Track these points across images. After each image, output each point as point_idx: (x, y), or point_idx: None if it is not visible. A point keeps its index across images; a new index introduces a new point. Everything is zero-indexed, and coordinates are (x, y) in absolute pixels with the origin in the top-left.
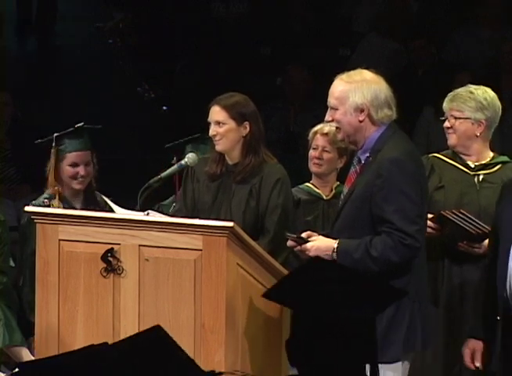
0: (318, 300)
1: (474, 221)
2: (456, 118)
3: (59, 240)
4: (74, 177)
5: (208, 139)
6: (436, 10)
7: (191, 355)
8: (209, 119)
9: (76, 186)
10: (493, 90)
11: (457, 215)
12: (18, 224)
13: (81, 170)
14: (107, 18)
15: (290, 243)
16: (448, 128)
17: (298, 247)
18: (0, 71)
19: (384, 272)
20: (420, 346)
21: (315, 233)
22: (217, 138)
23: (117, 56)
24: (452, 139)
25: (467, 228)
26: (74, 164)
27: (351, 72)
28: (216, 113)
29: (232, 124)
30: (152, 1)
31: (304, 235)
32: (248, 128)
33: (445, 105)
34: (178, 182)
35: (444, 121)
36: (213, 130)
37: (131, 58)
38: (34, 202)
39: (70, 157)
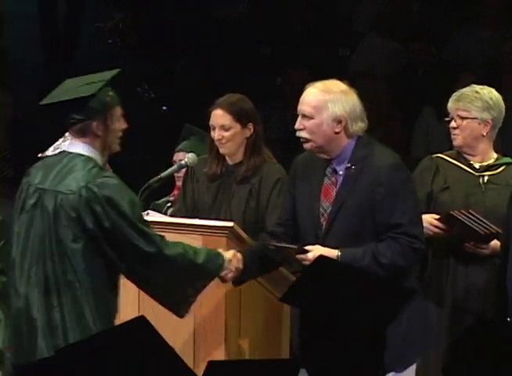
0: (332, 301)
1: (482, 221)
2: (462, 118)
3: None
4: None
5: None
6: (436, 10)
7: (191, 355)
8: (212, 123)
9: None
10: None
11: (466, 215)
12: None
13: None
14: (107, 18)
15: (287, 251)
16: (454, 128)
17: (298, 257)
18: (0, 71)
19: (389, 276)
20: (432, 347)
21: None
22: (223, 141)
23: (117, 56)
24: (458, 140)
25: (476, 228)
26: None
27: (326, 82)
28: (220, 117)
29: (237, 127)
30: (152, 1)
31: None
32: (252, 129)
33: (451, 105)
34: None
35: (448, 121)
36: (218, 134)
37: (131, 58)
38: None
39: None
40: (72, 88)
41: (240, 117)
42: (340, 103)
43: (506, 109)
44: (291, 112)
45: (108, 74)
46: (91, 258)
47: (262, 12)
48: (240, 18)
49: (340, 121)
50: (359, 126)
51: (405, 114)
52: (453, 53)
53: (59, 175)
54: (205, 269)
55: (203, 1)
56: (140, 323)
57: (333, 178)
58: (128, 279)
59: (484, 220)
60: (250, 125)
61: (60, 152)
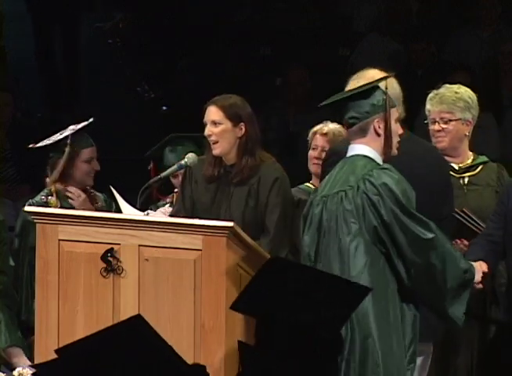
0: (283, 305)
1: (474, 220)
2: (447, 121)
3: (59, 240)
4: (89, 173)
5: (185, 140)
6: (436, 10)
7: (191, 355)
8: (205, 119)
9: (90, 181)
10: (493, 90)
11: (464, 214)
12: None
13: (95, 165)
14: (107, 18)
15: None
16: (438, 131)
17: None
18: (0, 71)
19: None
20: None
21: None
22: (212, 138)
23: (117, 56)
24: (443, 142)
25: (472, 227)
26: (90, 160)
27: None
28: (212, 113)
29: (227, 124)
30: (152, 1)
31: None
32: (244, 130)
33: (432, 108)
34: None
35: (427, 124)
36: (209, 130)
37: (131, 58)
38: (31, 201)
39: (87, 152)
40: (347, 91)
41: (232, 115)
42: None
43: (505, 108)
44: (291, 112)
45: (382, 77)
46: (370, 253)
47: (262, 12)
48: (240, 18)
49: None
50: None
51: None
52: (453, 53)
53: (341, 178)
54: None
55: (204, 2)
56: (137, 321)
57: None
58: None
59: (477, 219)
60: (242, 125)
61: (344, 159)
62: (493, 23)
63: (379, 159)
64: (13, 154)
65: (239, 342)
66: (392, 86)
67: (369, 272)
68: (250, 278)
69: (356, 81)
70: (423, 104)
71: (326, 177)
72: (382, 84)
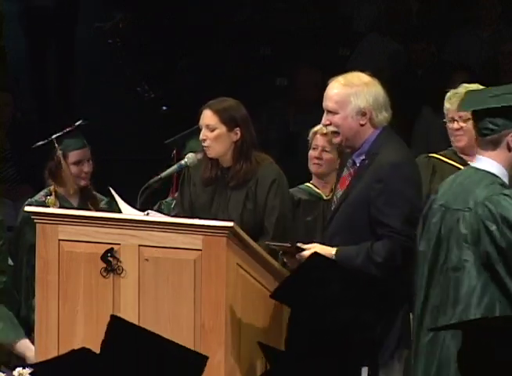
0: (320, 301)
1: None
2: (465, 119)
3: (59, 240)
4: (80, 175)
5: None
6: (436, 10)
7: None
8: (200, 123)
9: (82, 182)
10: None
11: None
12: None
13: (85, 167)
14: (107, 18)
15: (283, 251)
16: (457, 129)
17: (297, 256)
18: (0, 71)
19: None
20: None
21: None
22: (206, 143)
23: (117, 56)
24: (462, 141)
25: None
26: (79, 162)
27: (347, 75)
28: (207, 117)
29: (222, 128)
30: (152, 0)
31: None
32: (239, 134)
33: (450, 107)
34: (176, 182)
35: (445, 123)
36: (203, 134)
37: (131, 58)
38: (30, 200)
39: (75, 155)
40: (494, 95)
41: (227, 119)
42: (363, 96)
43: None
44: (291, 112)
45: None
46: (482, 277)
47: (262, 12)
48: (240, 18)
49: (364, 114)
50: (384, 116)
51: (405, 114)
52: (453, 53)
53: (463, 191)
54: None
55: (204, 2)
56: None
57: (351, 170)
58: None
59: None
60: (237, 130)
61: (469, 167)
62: (493, 23)
63: (504, 175)
64: (13, 154)
65: (259, 343)
66: (377, 92)
67: (480, 295)
68: (293, 270)
69: (337, 83)
70: (424, 104)
71: (449, 180)
72: (363, 91)
